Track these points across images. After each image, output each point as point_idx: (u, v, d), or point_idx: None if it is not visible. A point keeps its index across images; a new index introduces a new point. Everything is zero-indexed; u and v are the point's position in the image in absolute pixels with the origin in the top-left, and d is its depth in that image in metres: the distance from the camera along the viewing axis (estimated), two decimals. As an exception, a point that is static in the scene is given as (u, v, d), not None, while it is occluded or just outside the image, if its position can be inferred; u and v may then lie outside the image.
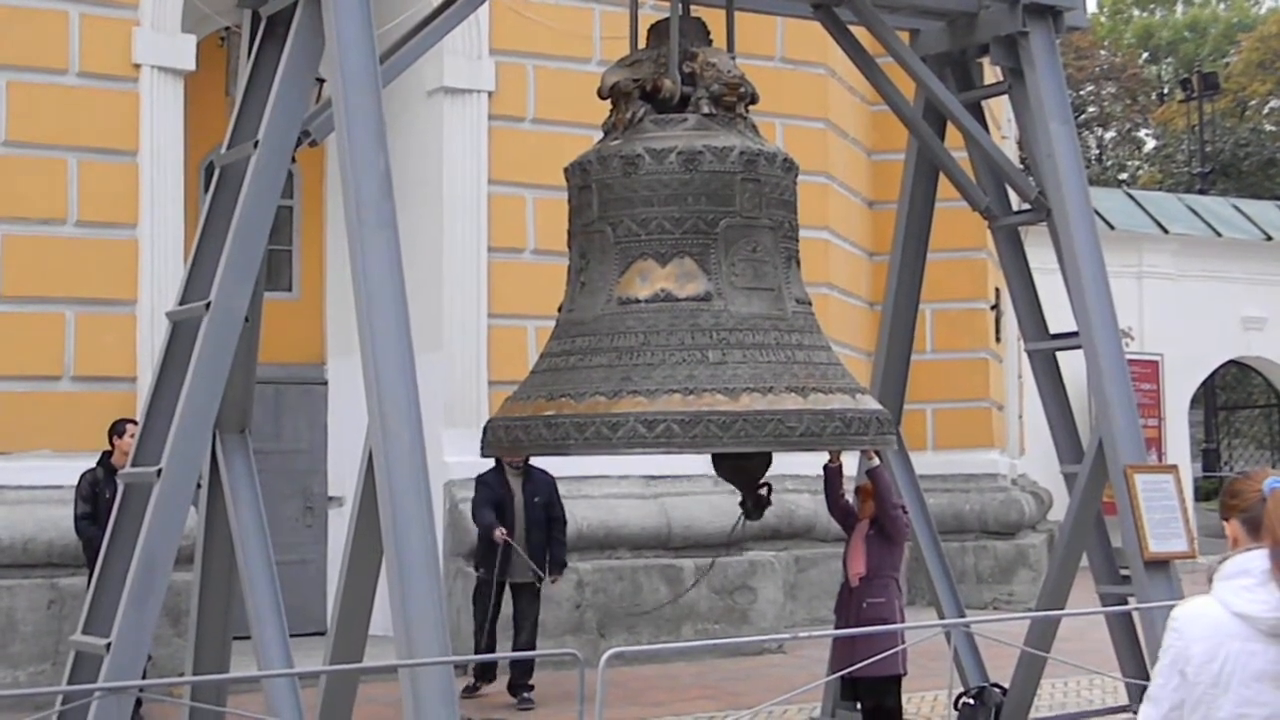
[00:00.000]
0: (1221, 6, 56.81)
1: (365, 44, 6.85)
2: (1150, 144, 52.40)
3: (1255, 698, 3.89)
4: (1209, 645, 3.93)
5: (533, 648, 11.83)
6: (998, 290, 18.83)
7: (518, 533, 11.94)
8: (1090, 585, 9.92)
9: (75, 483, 11.05)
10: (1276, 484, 4.01)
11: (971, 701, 9.95)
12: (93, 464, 11.09)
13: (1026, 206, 9.89)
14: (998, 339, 19.58)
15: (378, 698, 9.88)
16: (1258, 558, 3.96)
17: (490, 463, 11.83)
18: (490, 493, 11.97)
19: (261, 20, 7.58)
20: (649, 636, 13.52)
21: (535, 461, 11.99)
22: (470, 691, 11.94)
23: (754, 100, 7.64)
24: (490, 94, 14.06)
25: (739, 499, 7.54)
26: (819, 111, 16.50)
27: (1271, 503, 3.97)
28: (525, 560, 11.85)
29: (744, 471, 7.46)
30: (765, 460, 7.44)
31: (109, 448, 11.05)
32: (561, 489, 12.42)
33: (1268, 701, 3.89)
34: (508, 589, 12.00)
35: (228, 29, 13.42)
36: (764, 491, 7.50)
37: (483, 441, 7.61)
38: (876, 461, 9.77)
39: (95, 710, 6.52)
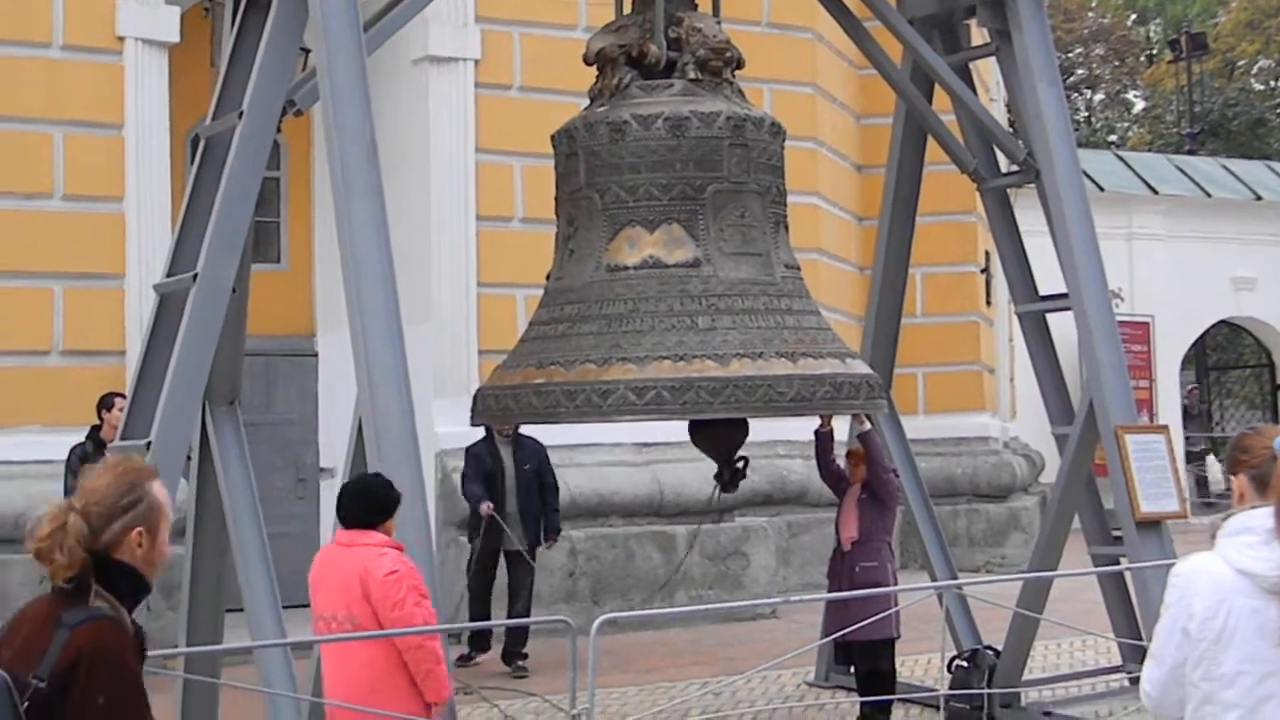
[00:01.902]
0: (1209, -34, 56.66)
1: (349, 12, 6.83)
2: (1139, 105, 52.28)
3: (1257, 654, 3.88)
4: (1211, 602, 3.92)
5: (528, 616, 11.82)
6: (987, 253, 18.81)
7: (510, 501, 11.92)
8: (1082, 547, 9.93)
9: (65, 457, 11.03)
10: None
11: (965, 664, 9.98)
12: (82, 438, 11.06)
13: (1015, 168, 9.88)
14: (988, 302, 19.57)
15: (372, 668, 9.88)
16: (1262, 515, 3.94)
17: (480, 433, 11.81)
18: (480, 465, 11.94)
19: (245, -10, 7.55)
20: (642, 603, 13.53)
21: (525, 429, 11.96)
22: (465, 661, 11.94)
23: (740, 65, 7.62)
24: (476, 62, 13.99)
25: (715, 471, 7.59)
26: (807, 76, 16.44)
27: None
28: (514, 533, 11.84)
29: (720, 443, 7.49)
30: (742, 432, 7.46)
31: (98, 421, 11.02)
32: (553, 457, 12.39)
33: (1268, 659, 3.88)
34: (503, 557, 11.98)
35: (211, 0, 13.35)
36: (740, 465, 7.54)
37: (473, 410, 7.61)
38: (868, 426, 9.76)
39: (88, 684, 6.52)
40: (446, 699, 6.30)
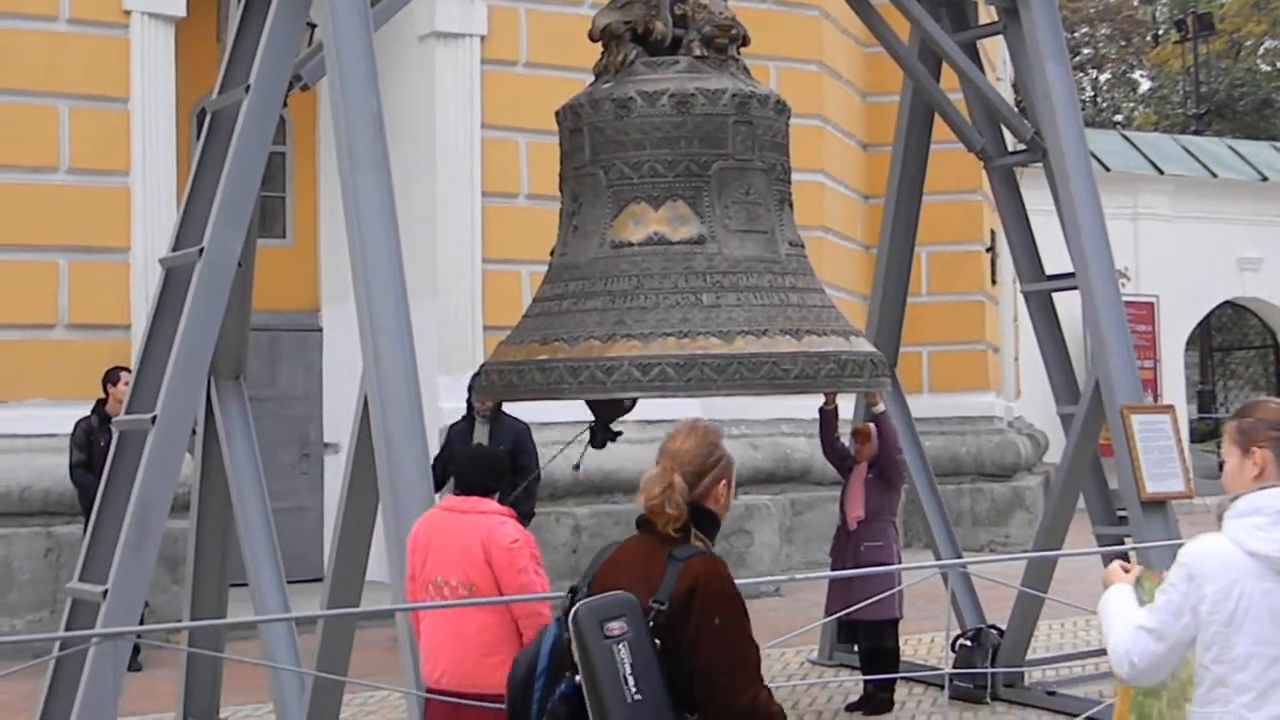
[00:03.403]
0: (1217, -54, 56.46)
1: (356, -13, 6.81)
2: (1145, 85, 52.23)
3: (1269, 637, 3.86)
4: (1223, 584, 3.89)
5: None
6: (993, 232, 18.79)
7: None
8: (1087, 526, 9.93)
9: (70, 431, 11.04)
10: None
11: (969, 643, 9.98)
12: (87, 412, 11.08)
13: (1022, 147, 9.86)
14: (993, 281, 19.56)
15: (374, 642, 9.91)
16: (1273, 496, 3.92)
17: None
18: (445, 452, 11.32)
19: (251, -36, 7.52)
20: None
21: (509, 409, 11.46)
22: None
23: (745, 42, 7.60)
24: (483, 38, 13.98)
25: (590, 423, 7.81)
26: (813, 54, 16.41)
27: None
28: None
29: (609, 406, 7.65)
30: (630, 402, 7.62)
31: (103, 395, 11.03)
32: (557, 434, 12.32)
33: (1279, 641, 3.88)
34: None
35: (218, -26, 13.34)
36: (616, 431, 7.75)
37: (477, 386, 7.61)
38: (882, 407, 9.75)
39: (92, 656, 6.54)
40: None
